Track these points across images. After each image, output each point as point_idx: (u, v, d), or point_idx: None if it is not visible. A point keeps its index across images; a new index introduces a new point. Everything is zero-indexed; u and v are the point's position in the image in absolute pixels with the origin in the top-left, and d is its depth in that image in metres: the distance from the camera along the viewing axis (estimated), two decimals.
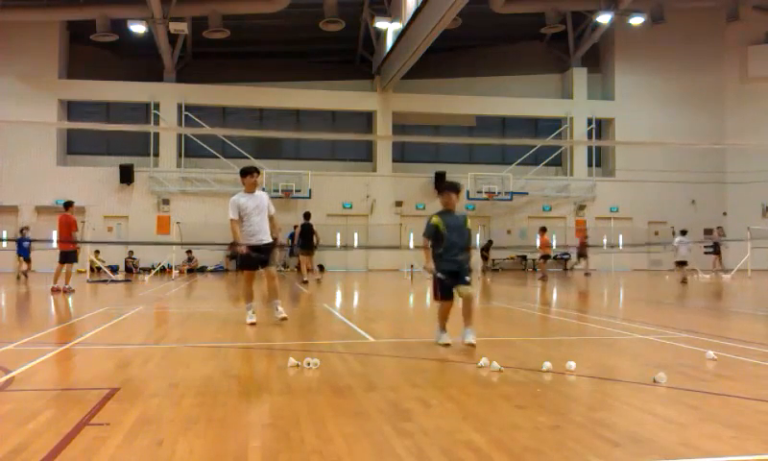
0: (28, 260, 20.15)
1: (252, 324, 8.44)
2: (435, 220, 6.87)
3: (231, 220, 8.52)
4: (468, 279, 6.82)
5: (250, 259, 8.60)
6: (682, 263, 20.05)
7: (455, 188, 7.00)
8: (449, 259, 6.79)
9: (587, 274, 24.56)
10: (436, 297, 6.90)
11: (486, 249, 27.78)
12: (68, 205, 15.16)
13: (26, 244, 20.04)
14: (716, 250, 25.63)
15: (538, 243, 23.49)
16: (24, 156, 27.09)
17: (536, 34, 30.79)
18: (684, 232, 21.25)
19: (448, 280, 6.77)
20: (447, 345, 6.69)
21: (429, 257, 6.85)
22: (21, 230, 18.17)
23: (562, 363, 5.48)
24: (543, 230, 23.34)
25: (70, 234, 14.69)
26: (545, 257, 23.26)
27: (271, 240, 8.64)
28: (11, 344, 6.79)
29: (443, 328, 6.89)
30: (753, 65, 32.62)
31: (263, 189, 9.65)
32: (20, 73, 27.73)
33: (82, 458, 3.22)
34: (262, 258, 8.58)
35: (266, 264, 8.66)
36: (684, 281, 19.21)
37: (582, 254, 25.10)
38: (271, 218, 8.69)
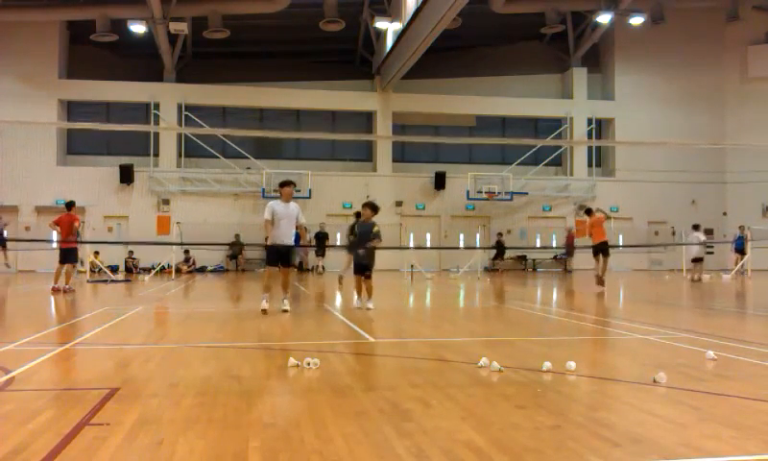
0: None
1: (264, 310, 9.76)
2: (355, 229, 11.56)
3: (266, 220, 10.07)
4: (368, 273, 10.52)
5: (271, 257, 10.23)
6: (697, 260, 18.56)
7: (369, 206, 10.63)
8: (356, 253, 10.97)
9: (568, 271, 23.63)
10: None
11: (498, 248, 26.43)
12: (71, 205, 15.15)
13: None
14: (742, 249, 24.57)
15: (588, 231, 16.16)
16: (24, 156, 27.10)
17: (536, 34, 30.76)
18: (696, 227, 19.98)
19: (356, 264, 10.82)
20: (359, 308, 10.48)
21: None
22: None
23: (562, 363, 5.48)
24: (589, 211, 16.52)
25: (73, 233, 14.68)
26: (602, 250, 15.57)
27: (290, 243, 10.21)
28: (11, 344, 6.79)
29: (358, 296, 10.79)
30: (752, 65, 32.61)
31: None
32: (20, 73, 27.71)
33: (82, 458, 3.22)
34: (282, 258, 10.21)
35: (284, 263, 10.28)
36: (697, 279, 18.05)
37: (569, 252, 24.02)
38: (299, 227, 10.29)
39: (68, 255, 14.65)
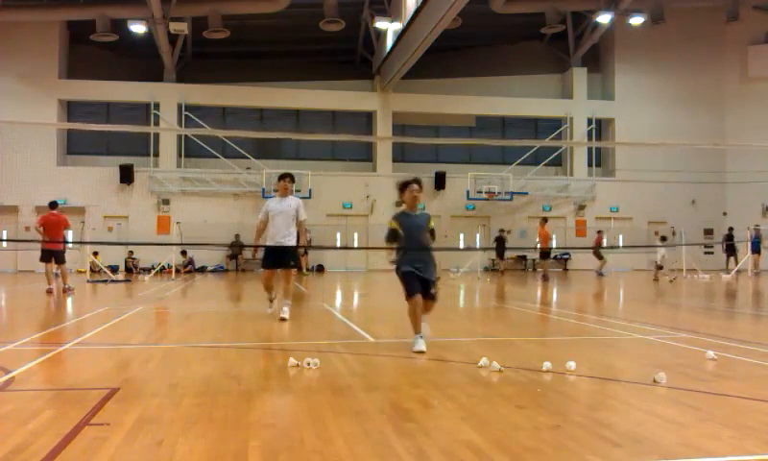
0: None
1: (282, 319, 8.87)
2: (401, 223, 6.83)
3: (259, 220, 9.23)
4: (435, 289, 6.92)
5: (266, 259, 9.24)
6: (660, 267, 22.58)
7: (418, 184, 6.76)
8: (410, 258, 6.76)
9: (600, 274, 23.68)
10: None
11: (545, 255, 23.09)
12: (54, 204, 14.86)
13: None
14: (756, 249, 23.86)
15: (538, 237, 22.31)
16: (24, 156, 27.07)
17: (536, 34, 30.78)
18: (663, 239, 24.79)
19: (420, 279, 6.76)
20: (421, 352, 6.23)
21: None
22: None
23: (562, 363, 5.48)
24: (544, 221, 22.24)
25: (62, 234, 14.56)
26: (544, 255, 22.14)
27: (290, 243, 8.95)
28: (11, 344, 6.79)
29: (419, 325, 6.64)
30: (752, 65, 32.60)
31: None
32: (20, 73, 27.71)
33: (82, 458, 3.22)
34: (278, 259, 9.11)
35: (282, 266, 9.20)
36: (656, 279, 21.33)
37: (598, 254, 24.11)
38: (299, 224, 9.06)
39: (58, 256, 14.49)
